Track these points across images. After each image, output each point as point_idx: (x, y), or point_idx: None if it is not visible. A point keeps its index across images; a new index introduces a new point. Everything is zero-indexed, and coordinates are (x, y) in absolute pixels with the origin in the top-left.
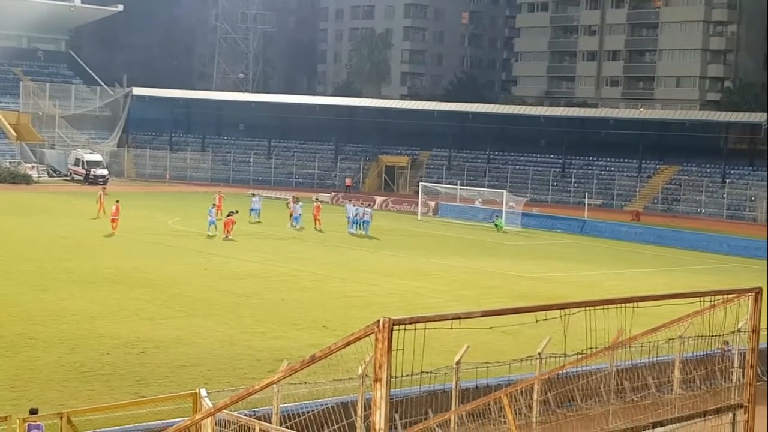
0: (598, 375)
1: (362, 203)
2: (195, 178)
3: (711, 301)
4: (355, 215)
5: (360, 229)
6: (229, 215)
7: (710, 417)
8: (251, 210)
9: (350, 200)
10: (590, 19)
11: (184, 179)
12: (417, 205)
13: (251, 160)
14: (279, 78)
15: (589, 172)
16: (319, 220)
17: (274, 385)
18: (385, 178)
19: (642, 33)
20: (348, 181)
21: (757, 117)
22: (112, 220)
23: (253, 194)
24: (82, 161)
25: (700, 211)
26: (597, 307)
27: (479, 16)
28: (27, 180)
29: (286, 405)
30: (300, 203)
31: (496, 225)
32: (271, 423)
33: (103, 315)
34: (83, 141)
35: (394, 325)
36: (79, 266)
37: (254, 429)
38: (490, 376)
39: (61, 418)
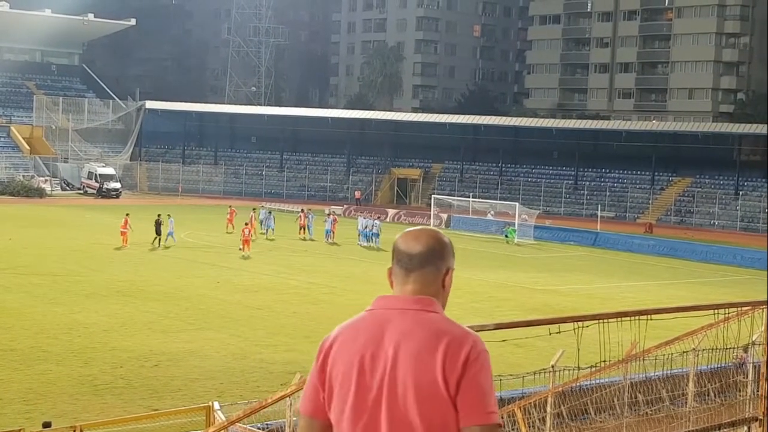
0: (611, 388)
1: (372, 216)
2: (207, 191)
3: (725, 313)
4: (365, 228)
5: (371, 241)
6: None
7: (724, 430)
8: (260, 223)
9: (362, 213)
10: (602, 31)
11: (197, 192)
12: (429, 217)
13: (263, 173)
14: (291, 91)
15: (602, 184)
16: (333, 232)
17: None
18: (397, 191)
19: (654, 45)
20: (357, 194)
21: None
22: (122, 233)
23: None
24: (95, 175)
25: (714, 223)
26: (610, 320)
27: (491, 29)
28: (40, 193)
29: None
30: (312, 215)
31: (506, 236)
32: None
33: (115, 328)
34: (96, 154)
35: None
36: (92, 279)
37: None
38: (503, 389)
39: (74, 431)
